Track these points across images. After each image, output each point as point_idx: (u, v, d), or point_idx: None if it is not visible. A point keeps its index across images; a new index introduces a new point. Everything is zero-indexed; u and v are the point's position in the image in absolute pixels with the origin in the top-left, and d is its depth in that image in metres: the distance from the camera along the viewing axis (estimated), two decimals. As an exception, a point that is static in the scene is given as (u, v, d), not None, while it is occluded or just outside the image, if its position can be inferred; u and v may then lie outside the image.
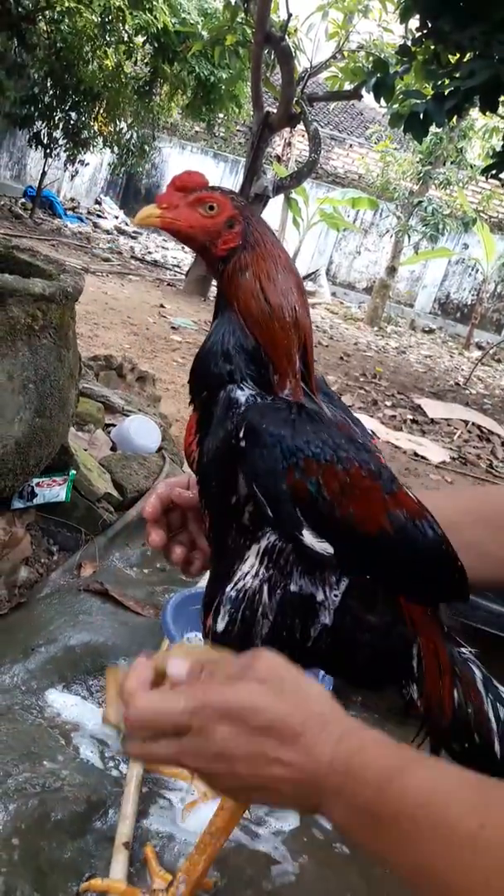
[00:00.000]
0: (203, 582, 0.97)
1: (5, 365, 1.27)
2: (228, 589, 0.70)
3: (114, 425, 2.17)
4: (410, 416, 5.52)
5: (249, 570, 0.69)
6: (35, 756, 1.00)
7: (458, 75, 4.90)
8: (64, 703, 1.14)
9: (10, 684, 1.14)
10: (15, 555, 1.46)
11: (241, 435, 0.66)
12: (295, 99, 7.54)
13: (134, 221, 0.79)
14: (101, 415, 2.18)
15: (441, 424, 5.53)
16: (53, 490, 1.59)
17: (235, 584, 0.69)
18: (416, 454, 4.47)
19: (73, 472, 1.63)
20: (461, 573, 0.71)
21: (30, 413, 1.32)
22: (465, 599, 0.72)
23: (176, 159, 16.12)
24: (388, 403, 5.82)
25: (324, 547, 0.66)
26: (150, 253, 11.55)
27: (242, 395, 0.68)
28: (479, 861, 0.48)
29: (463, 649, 0.72)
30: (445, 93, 5.04)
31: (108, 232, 12.80)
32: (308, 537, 0.66)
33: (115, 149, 10.89)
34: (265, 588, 0.68)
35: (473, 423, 5.69)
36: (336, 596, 0.68)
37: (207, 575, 0.78)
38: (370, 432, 0.77)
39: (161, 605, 1.35)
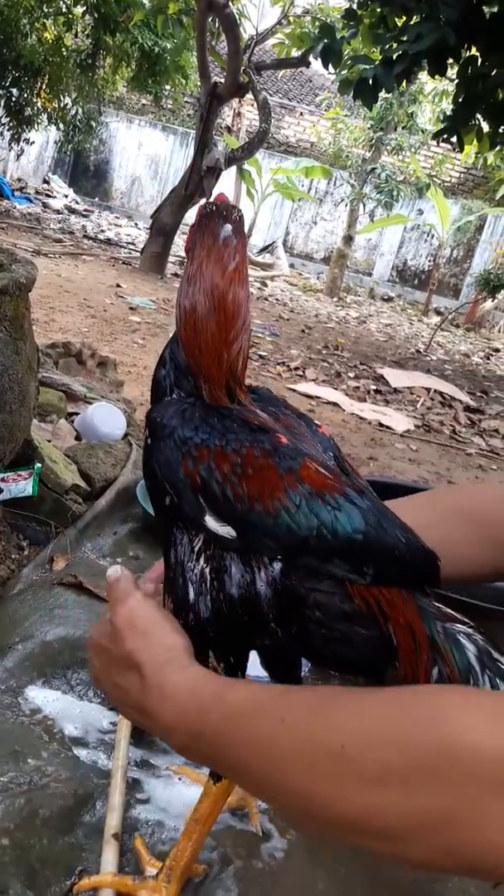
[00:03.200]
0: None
1: (-39, 361, 1.24)
2: (180, 591, 0.70)
3: (77, 414, 2.14)
4: (374, 387, 5.56)
5: (195, 569, 0.69)
6: (19, 754, 1.00)
7: (405, 39, 4.86)
8: (45, 698, 1.13)
9: (-12, 684, 1.13)
10: (-16, 553, 1.44)
11: (147, 433, 0.71)
12: (242, 68, 7.40)
13: None
14: (63, 404, 2.14)
15: (404, 393, 5.59)
16: (20, 485, 1.56)
17: (185, 586, 0.70)
18: (380, 424, 4.52)
19: (39, 465, 1.61)
20: (414, 555, 0.68)
21: (-10, 409, 1.29)
22: (433, 583, 0.70)
23: (124, 134, 15.76)
24: (352, 375, 5.85)
25: (227, 531, 0.66)
26: (102, 231, 11.33)
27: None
28: (282, 749, 0.55)
29: (457, 624, 0.69)
30: (394, 57, 5.00)
31: (58, 212, 12.50)
32: (211, 522, 0.67)
33: (61, 125, 10.59)
34: (212, 584, 0.69)
35: (435, 390, 5.76)
36: (272, 578, 0.67)
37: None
38: (315, 423, 0.79)
39: (136, 594, 1.35)
